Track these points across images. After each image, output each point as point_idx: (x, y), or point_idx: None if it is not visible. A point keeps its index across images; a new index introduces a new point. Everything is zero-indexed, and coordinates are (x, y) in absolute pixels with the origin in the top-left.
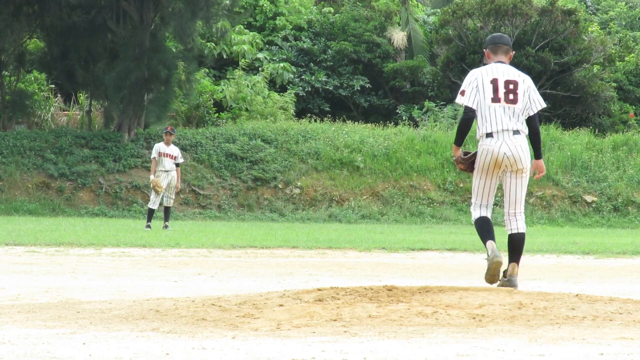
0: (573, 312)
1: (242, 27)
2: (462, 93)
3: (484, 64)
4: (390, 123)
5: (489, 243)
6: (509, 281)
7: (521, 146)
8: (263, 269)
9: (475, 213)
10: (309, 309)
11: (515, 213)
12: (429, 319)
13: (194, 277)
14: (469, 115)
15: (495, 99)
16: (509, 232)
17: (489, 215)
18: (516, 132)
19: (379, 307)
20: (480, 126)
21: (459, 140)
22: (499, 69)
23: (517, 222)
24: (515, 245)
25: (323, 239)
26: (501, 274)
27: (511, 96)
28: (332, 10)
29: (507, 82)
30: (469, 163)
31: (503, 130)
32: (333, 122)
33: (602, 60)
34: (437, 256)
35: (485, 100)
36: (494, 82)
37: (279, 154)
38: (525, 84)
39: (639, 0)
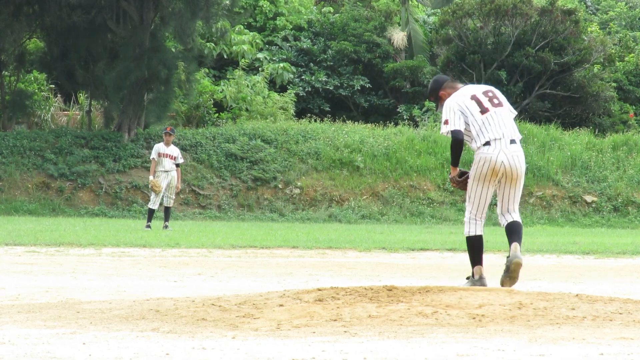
0: (573, 312)
1: (242, 27)
2: (446, 122)
3: (440, 112)
4: (390, 123)
5: (477, 268)
6: (513, 256)
7: (518, 156)
8: (263, 269)
9: (470, 228)
10: (309, 309)
11: (509, 210)
12: (429, 319)
13: (194, 277)
14: (458, 137)
15: (484, 110)
16: (505, 223)
17: (482, 232)
18: (512, 141)
19: (379, 307)
20: (477, 139)
21: (455, 161)
22: (472, 87)
23: (510, 215)
24: (514, 230)
25: (323, 239)
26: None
27: (496, 100)
28: (332, 10)
29: (485, 92)
30: (463, 182)
31: (500, 138)
32: (333, 122)
33: (602, 60)
34: (437, 256)
35: (475, 116)
36: (474, 97)
37: (279, 154)
38: (498, 91)
39: (639, 0)
